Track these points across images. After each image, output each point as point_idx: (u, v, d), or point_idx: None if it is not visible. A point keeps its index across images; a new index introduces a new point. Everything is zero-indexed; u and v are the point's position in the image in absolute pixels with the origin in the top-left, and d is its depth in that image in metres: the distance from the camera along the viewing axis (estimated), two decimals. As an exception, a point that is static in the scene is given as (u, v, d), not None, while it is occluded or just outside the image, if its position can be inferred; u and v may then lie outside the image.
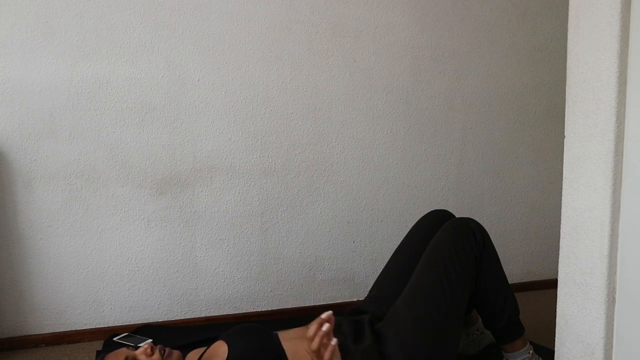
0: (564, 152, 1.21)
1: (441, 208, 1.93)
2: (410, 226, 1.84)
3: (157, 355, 1.37)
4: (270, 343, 1.46)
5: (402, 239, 1.82)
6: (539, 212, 2.55)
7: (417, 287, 1.55)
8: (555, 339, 1.28)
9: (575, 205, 1.18)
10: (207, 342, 1.53)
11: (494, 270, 1.65)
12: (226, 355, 1.39)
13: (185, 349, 1.57)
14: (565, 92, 1.21)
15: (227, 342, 1.43)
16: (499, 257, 1.69)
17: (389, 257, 1.80)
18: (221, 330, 1.58)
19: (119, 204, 2.06)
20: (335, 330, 1.52)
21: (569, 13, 1.18)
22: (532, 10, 2.43)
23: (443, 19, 2.32)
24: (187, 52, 2.06)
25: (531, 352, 1.69)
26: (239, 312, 2.22)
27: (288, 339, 1.49)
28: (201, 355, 1.46)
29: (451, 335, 1.54)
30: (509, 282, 1.71)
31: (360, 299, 2.29)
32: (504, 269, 1.70)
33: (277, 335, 1.50)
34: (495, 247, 1.69)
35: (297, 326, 1.59)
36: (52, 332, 2.04)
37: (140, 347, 1.41)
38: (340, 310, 1.80)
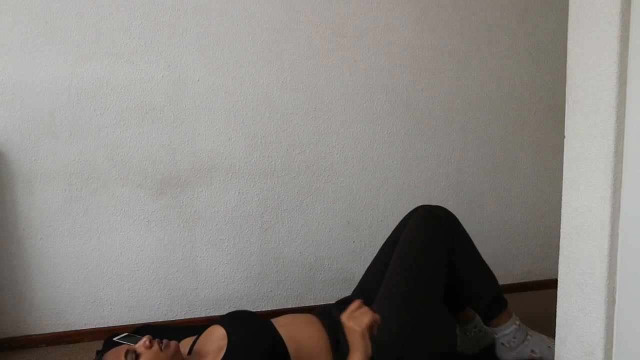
0: (564, 152, 1.21)
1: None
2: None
3: (156, 347, 1.39)
4: (267, 328, 1.47)
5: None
6: (539, 212, 2.55)
7: (392, 279, 1.58)
8: (555, 339, 1.28)
9: (575, 205, 1.18)
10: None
11: (467, 253, 1.67)
12: (226, 341, 1.40)
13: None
14: (565, 92, 1.21)
15: (224, 327, 1.44)
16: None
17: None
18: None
19: (119, 204, 2.06)
20: (326, 317, 1.54)
21: (569, 13, 1.18)
22: (532, 10, 2.43)
23: (443, 19, 2.32)
24: (187, 52, 2.06)
25: (517, 322, 1.70)
26: (239, 312, 2.22)
27: (282, 324, 1.50)
28: (195, 340, 1.47)
29: (429, 319, 1.56)
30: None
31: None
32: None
33: (271, 322, 1.52)
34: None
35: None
36: (52, 332, 2.04)
37: (139, 337, 1.42)
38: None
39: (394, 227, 1.82)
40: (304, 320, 1.56)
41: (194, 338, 1.52)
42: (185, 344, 1.52)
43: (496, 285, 1.71)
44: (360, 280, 1.80)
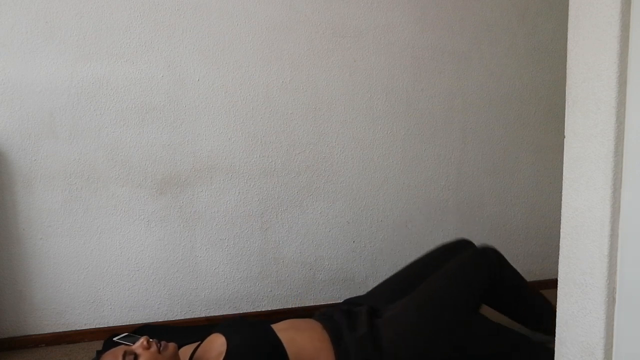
0: (564, 152, 1.21)
1: (463, 237, 1.97)
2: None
3: (154, 347, 1.38)
4: (266, 334, 1.47)
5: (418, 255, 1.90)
6: (539, 212, 2.55)
7: (423, 296, 1.59)
8: (555, 339, 1.27)
9: (575, 205, 1.18)
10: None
11: (515, 290, 1.75)
12: (225, 347, 1.40)
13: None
14: (565, 92, 1.21)
15: (224, 334, 1.44)
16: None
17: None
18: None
19: (119, 204, 2.05)
20: (328, 320, 1.54)
21: (569, 13, 1.18)
22: (532, 10, 2.43)
23: (443, 19, 2.32)
24: (187, 52, 2.06)
25: None
26: (239, 312, 2.22)
27: (282, 329, 1.50)
28: (196, 348, 1.47)
29: (447, 337, 1.56)
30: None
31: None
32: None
33: (270, 327, 1.52)
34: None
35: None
36: (52, 332, 2.04)
37: (138, 337, 1.43)
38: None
39: (427, 253, 1.86)
40: (305, 325, 1.55)
41: (195, 345, 1.51)
42: (186, 351, 1.52)
43: (549, 306, 1.77)
44: (375, 288, 1.81)
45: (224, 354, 1.39)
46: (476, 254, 1.69)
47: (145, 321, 2.12)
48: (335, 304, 1.70)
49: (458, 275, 1.61)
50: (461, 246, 1.82)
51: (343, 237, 2.31)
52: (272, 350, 1.43)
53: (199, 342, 1.51)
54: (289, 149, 2.20)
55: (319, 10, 2.17)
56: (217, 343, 1.44)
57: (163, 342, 1.42)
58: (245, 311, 2.22)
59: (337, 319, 1.56)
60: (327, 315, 1.59)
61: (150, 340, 1.41)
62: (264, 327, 1.51)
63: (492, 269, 1.68)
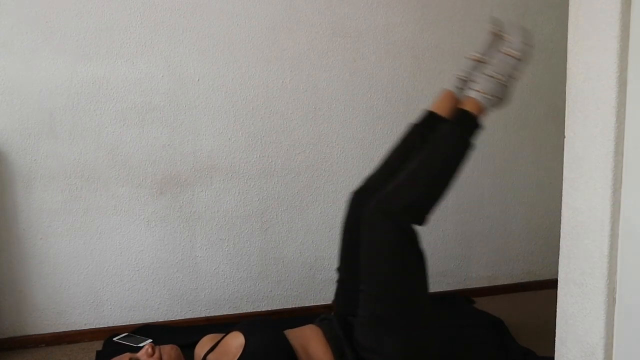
0: (564, 152, 1.21)
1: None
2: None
3: (157, 354, 1.39)
4: (283, 340, 1.49)
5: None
6: (539, 212, 2.55)
7: (372, 301, 1.51)
8: (555, 339, 1.27)
9: (575, 205, 1.18)
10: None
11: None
12: (243, 347, 1.41)
13: (185, 349, 1.58)
14: (565, 92, 1.21)
15: (243, 333, 1.45)
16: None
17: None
18: (221, 330, 1.59)
19: (119, 204, 2.05)
20: (330, 329, 1.54)
21: (569, 13, 1.18)
22: (532, 10, 2.43)
23: (443, 19, 2.32)
24: (187, 52, 2.06)
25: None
26: (239, 312, 2.22)
27: (293, 337, 1.51)
28: (217, 343, 1.48)
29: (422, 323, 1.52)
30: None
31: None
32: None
33: (284, 334, 1.53)
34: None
35: (296, 327, 1.61)
36: (52, 332, 2.04)
37: (141, 346, 1.43)
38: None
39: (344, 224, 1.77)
40: (310, 333, 1.57)
41: (215, 339, 1.52)
42: (206, 342, 1.52)
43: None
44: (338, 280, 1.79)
45: (240, 353, 1.41)
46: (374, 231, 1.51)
47: (145, 321, 2.12)
48: (331, 305, 1.69)
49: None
50: (359, 203, 1.68)
51: (343, 237, 2.30)
52: (286, 357, 1.45)
53: (219, 339, 1.52)
54: (289, 149, 2.20)
55: (319, 10, 2.17)
56: (236, 341, 1.45)
57: (170, 345, 1.44)
58: (245, 311, 2.22)
59: (337, 330, 1.56)
60: (327, 320, 1.59)
61: (155, 346, 1.42)
62: (281, 333, 1.53)
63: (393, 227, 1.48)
